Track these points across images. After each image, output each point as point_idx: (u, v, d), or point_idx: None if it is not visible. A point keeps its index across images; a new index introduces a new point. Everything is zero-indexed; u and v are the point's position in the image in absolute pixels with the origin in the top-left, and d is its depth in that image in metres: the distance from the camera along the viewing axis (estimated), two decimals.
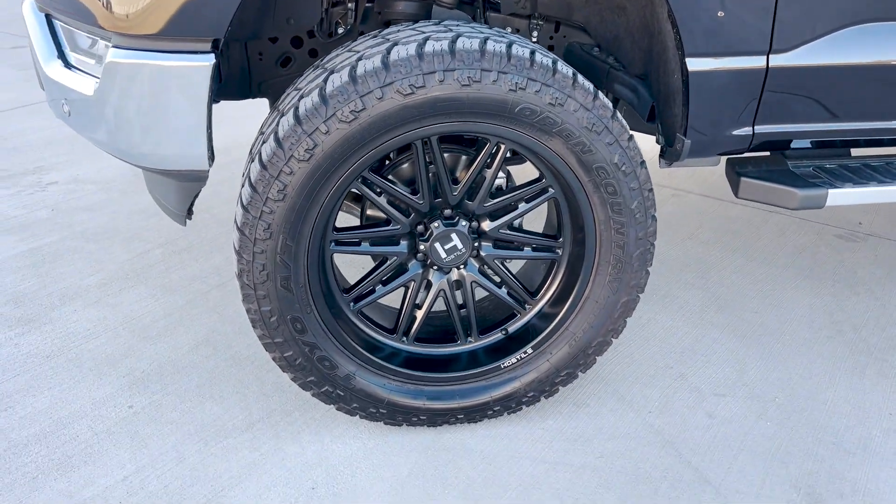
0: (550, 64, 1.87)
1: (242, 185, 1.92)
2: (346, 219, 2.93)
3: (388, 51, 1.82)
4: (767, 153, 2.38)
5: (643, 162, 2.03)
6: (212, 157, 1.97)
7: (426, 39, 1.83)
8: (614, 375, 2.56)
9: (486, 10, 2.51)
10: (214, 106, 2.58)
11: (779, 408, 2.42)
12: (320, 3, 2.33)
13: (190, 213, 2.17)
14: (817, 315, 2.93)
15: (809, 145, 2.31)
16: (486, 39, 1.85)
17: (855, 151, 2.43)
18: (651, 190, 2.07)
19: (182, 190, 2.11)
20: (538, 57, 1.86)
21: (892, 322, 2.88)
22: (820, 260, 3.34)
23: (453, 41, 1.83)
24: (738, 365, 2.63)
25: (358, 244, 2.13)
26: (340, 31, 2.46)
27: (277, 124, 1.86)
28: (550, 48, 2.62)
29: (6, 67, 5.99)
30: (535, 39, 2.54)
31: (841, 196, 2.20)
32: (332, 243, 2.09)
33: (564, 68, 1.89)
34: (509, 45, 1.86)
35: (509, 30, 2.51)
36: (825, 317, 2.92)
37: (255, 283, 1.96)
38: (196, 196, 2.13)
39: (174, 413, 2.34)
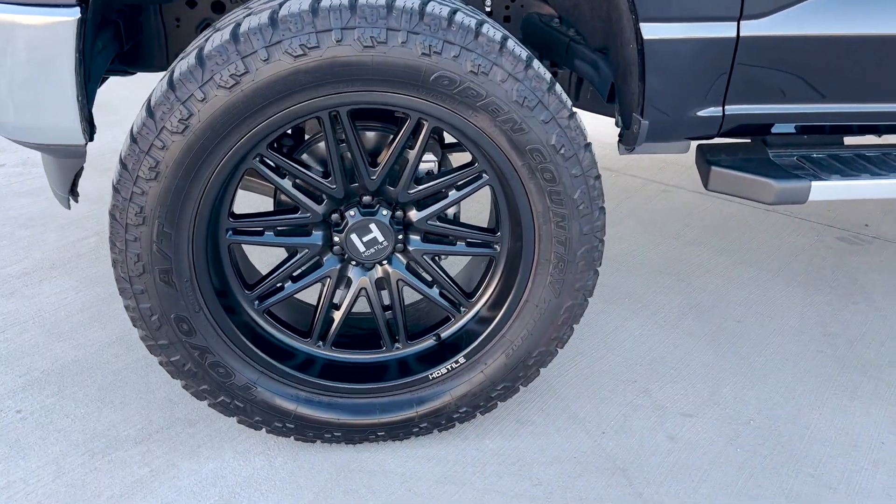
0: (473, 25, 1.58)
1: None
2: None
3: (280, 5, 1.55)
4: (746, 140, 2.07)
5: (588, 144, 1.74)
6: (90, 131, 1.71)
7: None
8: (568, 389, 2.26)
9: None
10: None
11: (753, 432, 2.12)
12: None
13: (74, 194, 1.91)
14: (808, 326, 2.61)
15: (794, 131, 2.00)
16: None
17: (849, 140, 2.12)
18: (598, 178, 1.77)
19: (60, 167, 1.85)
20: (459, 17, 1.58)
21: (892, 336, 2.55)
22: (817, 264, 3.02)
23: None
24: (712, 380, 2.32)
25: (261, 233, 1.86)
26: None
27: (153, 91, 1.59)
28: (507, 19, 2.33)
29: None
30: (489, 9, 2.25)
31: (826, 190, 1.89)
32: (229, 232, 1.82)
33: (491, 30, 1.61)
34: (423, 2, 1.57)
35: None
36: (817, 328, 2.60)
37: (131, 277, 1.70)
38: (78, 175, 1.87)
39: (65, 420, 2.08)
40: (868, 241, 3.21)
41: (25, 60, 1.61)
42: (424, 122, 1.74)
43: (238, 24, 1.53)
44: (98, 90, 1.86)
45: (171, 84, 1.55)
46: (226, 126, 1.57)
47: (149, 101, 1.58)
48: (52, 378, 2.24)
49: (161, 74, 2.30)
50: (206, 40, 1.56)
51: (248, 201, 2.51)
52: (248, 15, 1.56)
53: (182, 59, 1.58)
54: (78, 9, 1.58)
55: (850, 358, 2.44)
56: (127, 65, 2.23)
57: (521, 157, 1.70)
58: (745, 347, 2.48)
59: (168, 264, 1.69)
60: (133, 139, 1.58)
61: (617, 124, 2.02)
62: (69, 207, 1.98)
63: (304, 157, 1.88)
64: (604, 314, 2.63)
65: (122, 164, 1.60)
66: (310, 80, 1.55)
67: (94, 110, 1.77)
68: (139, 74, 2.34)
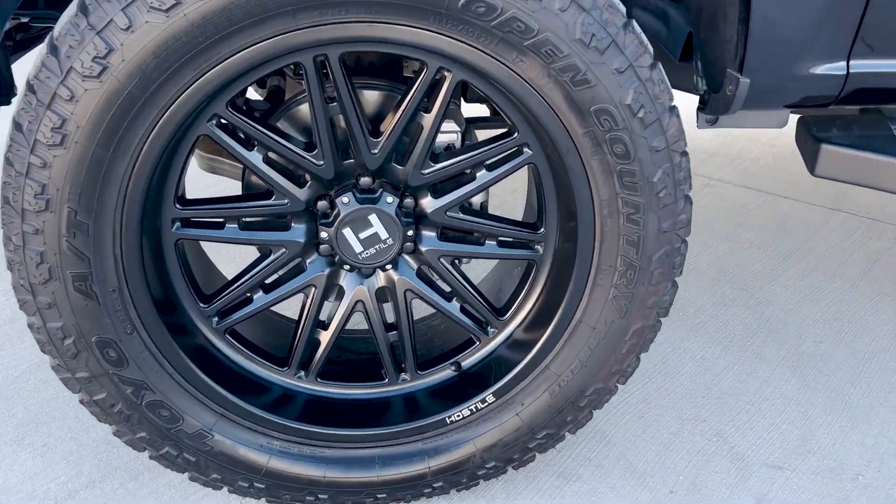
0: None
1: None
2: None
3: None
4: (856, 110, 1.59)
5: (674, 106, 1.25)
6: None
7: None
8: (622, 432, 1.78)
9: None
10: None
11: (865, 491, 1.63)
12: None
13: None
14: None
15: None
16: None
17: None
18: (685, 154, 1.29)
19: None
20: None
21: None
22: None
23: None
24: (801, 420, 1.84)
25: (221, 226, 1.37)
26: None
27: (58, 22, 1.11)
28: None
29: None
30: None
31: None
32: (176, 223, 1.33)
33: None
34: None
35: None
36: None
37: (33, 284, 1.21)
38: None
39: None
40: None
41: None
42: (447, 73, 1.25)
43: None
44: None
45: (82, 6, 1.06)
46: (162, 68, 1.08)
47: (52, 32, 1.09)
48: None
49: None
50: None
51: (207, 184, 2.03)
52: None
53: None
54: None
55: None
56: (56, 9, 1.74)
57: (582, 122, 1.22)
58: (835, 377, 2.00)
59: (85, 267, 1.20)
60: (29, 87, 1.10)
61: (697, 88, 1.54)
62: None
63: (281, 123, 1.40)
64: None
65: (16, 123, 1.12)
66: (276, 2, 1.07)
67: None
68: None
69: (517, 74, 1.19)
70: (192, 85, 1.12)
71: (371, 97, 1.40)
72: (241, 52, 1.11)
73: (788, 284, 2.44)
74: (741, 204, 3.01)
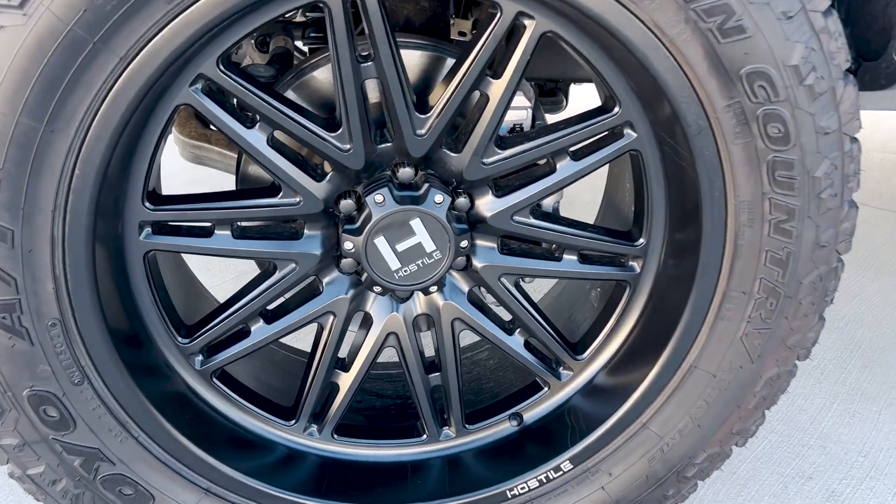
0: None
1: None
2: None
3: None
4: None
5: (851, 71, 0.89)
6: None
7: None
8: (710, 495, 1.41)
9: None
10: None
11: None
12: None
13: None
14: None
15: None
16: None
17: None
18: (857, 140, 0.92)
19: None
20: None
21: None
22: None
23: None
24: None
25: (208, 234, 0.99)
26: None
27: None
28: None
29: None
30: None
31: None
32: (145, 229, 0.95)
33: None
34: None
35: None
36: None
37: None
38: None
39: None
40: None
41: None
42: (528, 22, 0.88)
43: None
44: None
45: None
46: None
47: None
48: None
49: None
50: None
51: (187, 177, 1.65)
52: None
53: None
54: None
55: None
56: None
57: (726, 91, 0.85)
58: None
59: (10, 293, 0.83)
60: None
61: None
62: None
63: (291, 93, 1.03)
64: None
65: None
66: None
67: None
68: None
69: (638, 19, 0.82)
70: (166, 26, 0.75)
71: (415, 60, 1.03)
72: None
73: (874, 301, 2.10)
74: None
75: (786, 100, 0.86)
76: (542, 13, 0.88)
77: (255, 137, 0.94)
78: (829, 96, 0.87)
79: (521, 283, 1.14)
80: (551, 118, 1.18)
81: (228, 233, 1.00)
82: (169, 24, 0.76)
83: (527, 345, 1.14)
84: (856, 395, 1.72)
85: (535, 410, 1.17)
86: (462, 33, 1.15)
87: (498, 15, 0.89)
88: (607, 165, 1.12)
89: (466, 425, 1.16)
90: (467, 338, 1.24)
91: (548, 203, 1.11)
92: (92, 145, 0.81)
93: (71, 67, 0.75)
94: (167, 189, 1.11)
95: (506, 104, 0.96)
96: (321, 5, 0.86)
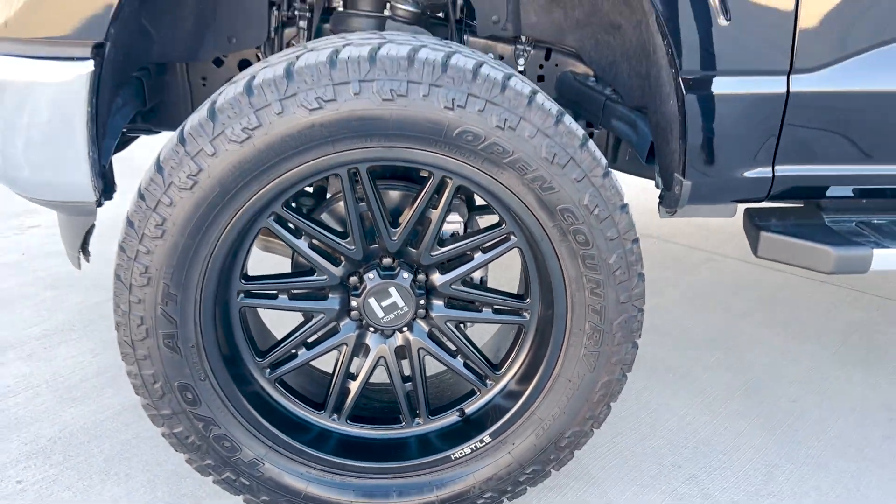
0: (500, 78, 1.49)
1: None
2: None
3: (298, 57, 1.48)
4: (798, 204, 1.92)
5: (625, 205, 1.61)
6: (104, 189, 1.64)
7: (345, 45, 1.48)
8: (607, 474, 2.07)
9: (463, 31, 2.16)
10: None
11: None
12: (267, 20, 2.03)
13: (85, 252, 1.84)
14: (871, 408, 2.38)
15: (851, 194, 1.84)
16: (420, 48, 1.49)
17: None
18: (636, 241, 1.63)
19: (71, 225, 1.79)
20: (485, 70, 1.49)
21: None
22: (878, 340, 2.79)
23: (377, 48, 1.47)
24: (766, 468, 2.11)
25: (275, 297, 1.75)
26: None
27: (163, 147, 1.52)
28: (540, 78, 2.24)
29: None
30: (521, 69, 2.17)
31: (890, 258, 1.72)
32: (241, 294, 1.71)
33: (518, 84, 1.51)
34: (448, 55, 1.49)
35: (491, 55, 2.16)
36: (881, 412, 2.36)
37: (134, 341, 1.60)
38: (88, 234, 1.80)
39: (66, 493, 1.96)
40: None
41: (37, 113, 1.56)
42: (448, 181, 1.63)
43: (252, 77, 1.46)
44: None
45: (181, 138, 1.48)
46: (236, 182, 1.49)
47: (158, 156, 1.51)
48: (58, 447, 2.13)
49: None
50: (220, 93, 1.49)
51: (265, 263, 2.43)
52: (264, 67, 1.49)
53: (194, 112, 1.51)
54: (92, 62, 1.53)
55: None
56: (152, 124, 2.19)
57: (551, 218, 1.58)
58: (802, 432, 2.26)
59: (173, 328, 1.59)
60: (140, 195, 1.50)
61: (657, 185, 1.89)
62: (79, 267, 1.91)
63: (323, 216, 1.79)
64: (647, 391, 2.44)
65: (129, 221, 1.52)
66: (325, 134, 1.47)
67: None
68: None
69: (499, 182, 1.56)
70: (257, 193, 1.52)
71: (392, 196, 1.79)
72: (294, 170, 1.51)
73: (772, 349, 2.72)
74: (738, 276, 3.31)
75: (584, 222, 1.57)
76: (454, 177, 1.62)
77: (302, 243, 1.69)
78: (610, 219, 1.58)
79: (463, 327, 1.85)
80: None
81: (286, 296, 1.75)
82: (258, 193, 1.52)
83: (466, 365, 1.84)
84: (734, 416, 2.34)
85: (471, 406, 1.86)
86: (424, 177, 1.90)
87: (432, 177, 1.64)
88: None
89: (430, 416, 1.86)
90: (436, 366, 1.94)
91: (476, 276, 1.83)
92: (218, 250, 1.56)
93: (209, 216, 1.51)
94: (250, 270, 1.86)
95: (441, 222, 1.68)
96: (337, 175, 1.61)
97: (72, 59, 1.53)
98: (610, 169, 1.59)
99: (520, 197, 1.57)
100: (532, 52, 2.17)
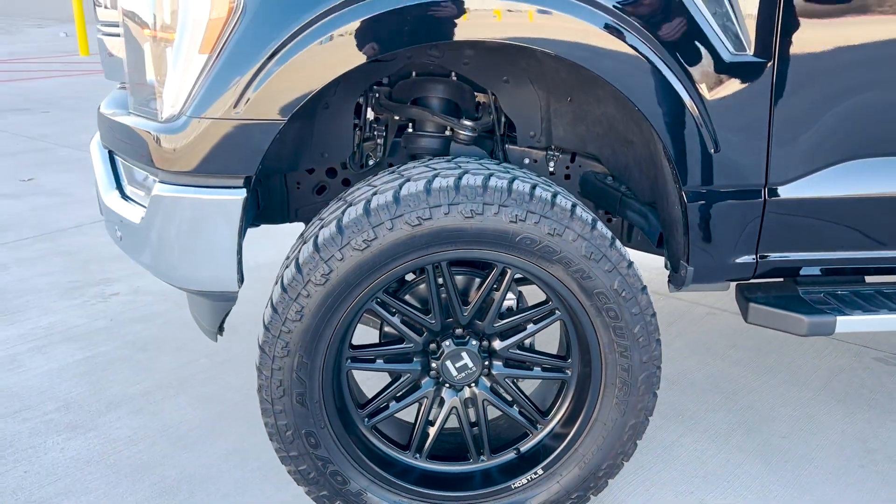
0: (549, 197, 2.01)
1: (266, 306, 2.08)
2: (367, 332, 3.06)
3: (401, 186, 2.00)
4: (779, 279, 2.43)
5: (644, 287, 2.12)
6: (241, 280, 2.15)
7: (435, 176, 2.01)
8: (632, 499, 2.54)
9: (505, 142, 2.70)
10: (256, 229, 2.81)
11: None
12: (352, 139, 2.57)
13: (221, 329, 2.34)
14: (849, 442, 2.85)
15: (819, 273, 2.35)
16: (489, 176, 2.01)
17: (870, 278, 2.45)
18: (654, 315, 2.14)
19: (214, 309, 2.29)
20: (538, 191, 2.01)
21: None
22: (856, 384, 3.27)
23: (459, 178, 1.99)
24: (762, 491, 2.58)
25: (373, 361, 2.25)
26: (371, 162, 2.69)
27: (299, 251, 2.04)
28: (567, 177, 2.77)
29: (88, 185, 6.53)
30: (551, 170, 2.71)
31: (850, 323, 2.22)
32: (348, 360, 2.21)
33: (563, 201, 2.03)
34: (511, 181, 2.01)
35: (526, 161, 2.69)
36: (858, 444, 2.84)
37: (273, 399, 2.08)
38: (227, 314, 2.30)
39: None
40: None
41: (204, 228, 2.07)
42: (508, 271, 2.14)
43: (369, 201, 1.98)
44: None
45: (316, 247, 1.99)
46: (357, 279, 1.99)
47: (297, 258, 2.02)
48: (182, 486, 2.60)
49: (283, 226, 2.79)
50: (344, 213, 2.00)
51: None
52: (375, 193, 2.01)
53: (323, 226, 2.02)
54: (244, 189, 2.05)
55: (889, 473, 2.67)
56: (255, 219, 2.71)
57: (589, 299, 2.08)
58: (792, 462, 2.74)
59: (303, 388, 2.08)
60: (283, 289, 2.01)
61: (666, 267, 2.40)
62: (216, 340, 2.41)
63: (406, 296, 2.29)
64: (661, 430, 2.92)
65: (274, 307, 2.03)
66: (422, 242, 1.98)
67: None
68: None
69: (550, 273, 2.07)
70: (371, 284, 2.03)
71: (464, 280, 2.30)
72: (398, 268, 2.02)
73: (766, 393, 3.20)
74: (735, 329, 3.81)
75: (614, 302, 2.08)
76: (514, 269, 2.13)
77: (396, 319, 2.19)
78: (633, 299, 2.08)
79: (517, 381, 2.35)
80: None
81: (382, 361, 2.25)
82: (370, 285, 2.03)
83: (520, 412, 2.33)
84: (735, 450, 2.81)
85: (526, 446, 2.34)
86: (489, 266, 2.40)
87: (495, 268, 2.15)
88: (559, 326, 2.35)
89: (492, 455, 2.34)
90: (494, 412, 2.42)
91: (528, 342, 2.33)
92: (339, 328, 2.06)
93: (336, 304, 2.01)
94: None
95: (502, 301, 2.19)
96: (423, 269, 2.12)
97: (230, 188, 2.05)
98: (632, 260, 2.11)
99: (565, 284, 2.08)
100: (560, 156, 2.71)
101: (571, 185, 2.79)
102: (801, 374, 3.36)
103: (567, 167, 2.78)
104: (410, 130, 2.59)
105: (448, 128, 2.53)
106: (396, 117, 2.58)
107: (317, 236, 2.00)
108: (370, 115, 2.64)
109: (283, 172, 2.64)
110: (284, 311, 2.01)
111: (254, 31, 1.95)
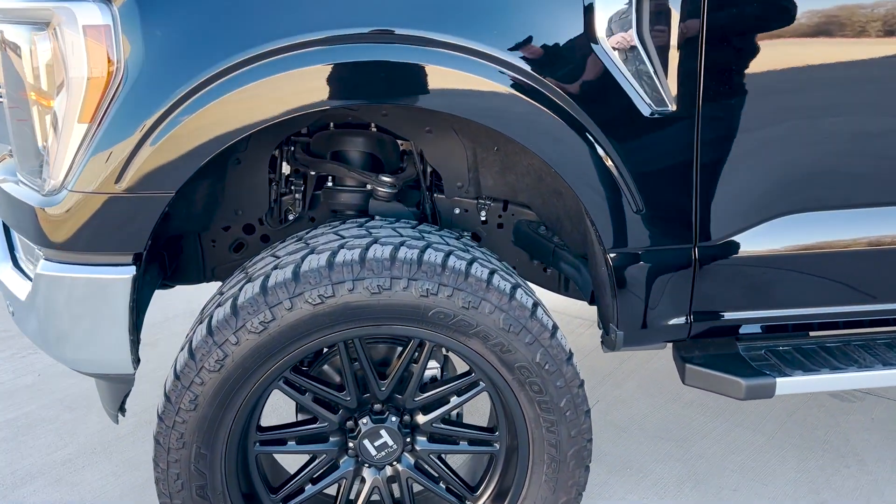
0: (463, 268, 1.87)
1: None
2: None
3: (303, 259, 1.85)
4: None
5: (570, 357, 1.98)
6: (136, 361, 1.99)
7: (341, 247, 1.86)
8: None
9: (433, 193, 2.56)
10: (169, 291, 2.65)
11: None
12: (268, 194, 2.41)
13: (122, 410, 2.17)
14: (802, 493, 2.74)
15: (759, 331, 2.23)
16: (399, 245, 1.87)
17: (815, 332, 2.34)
18: (581, 386, 2.00)
19: (111, 390, 2.12)
20: (451, 261, 1.87)
21: (883, 501, 2.68)
22: (811, 424, 3.17)
23: (365, 249, 1.85)
24: None
25: (285, 443, 2.09)
26: (291, 217, 2.53)
27: (193, 333, 1.88)
28: (500, 226, 2.64)
29: None
30: (483, 219, 2.57)
31: (790, 385, 2.11)
32: (256, 443, 2.05)
33: (478, 270, 1.89)
34: (423, 250, 1.87)
35: (457, 211, 2.55)
36: (810, 495, 2.73)
37: (171, 492, 1.93)
38: (126, 395, 2.14)
39: None
40: (860, 398, 3.36)
41: (89, 309, 1.91)
42: (427, 343, 2.00)
43: (267, 277, 1.83)
44: None
45: (209, 330, 1.83)
46: (255, 363, 1.84)
47: (190, 343, 1.86)
48: None
49: (198, 286, 2.63)
50: (241, 290, 1.85)
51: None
52: (276, 267, 1.86)
53: (218, 306, 1.87)
54: (134, 267, 1.89)
55: None
56: (168, 280, 2.55)
57: (510, 373, 1.95)
58: None
59: (204, 481, 1.92)
60: (176, 376, 1.85)
61: (599, 326, 2.27)
62: (117, 422, 2.24)
63: (320, 371, 2.14)
64: (607, 486, 2.79)
65: (167, 396, 1.87)
66: (326, 321, 1.84)
67: None
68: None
69: (467, 346, 1.93)
70: (271, 369, 1.88)
71: (380, 350, 2.15)
72: (301, 348, 1.87)
73: (717, 439, 3.09)
74: None
75: (537, 375, 1.94)
76: (430, 342, 1.99)
77: (307, 398, 2.04)
78: (558, 372, 1.95)
79: (444, 456, 2.20)
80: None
81: (294, 441, 2.09)
82: (271, 368, 1.88)
83: (447, 489, 2.19)
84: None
85: None
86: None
87: (412, 342, 2.00)
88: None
89: None
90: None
91: (452, 414, 2.19)
92: (240, 415, 1.91)
93: (233, 391, 1.86)
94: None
95: (421, 375, 2.05)
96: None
97: (117, 265, 1.89)
98: (555, 329, 1.97)
99: (484, 357, 1.94)
100: (492, 205, 2.57)
101: (505, 235, 2.65)
102: (755, 415, 3.25)
103: (500, 216, 2.63)
104: (330, 185, 2.44)
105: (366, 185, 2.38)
106: (313, 173, 2.44)
107: (211, 317, 1.85)
108: (286, 169, 2.49)
109: (195, 232, 2.48)
110: (178, 399, 1.86)
111: (136, 98, 1.80)
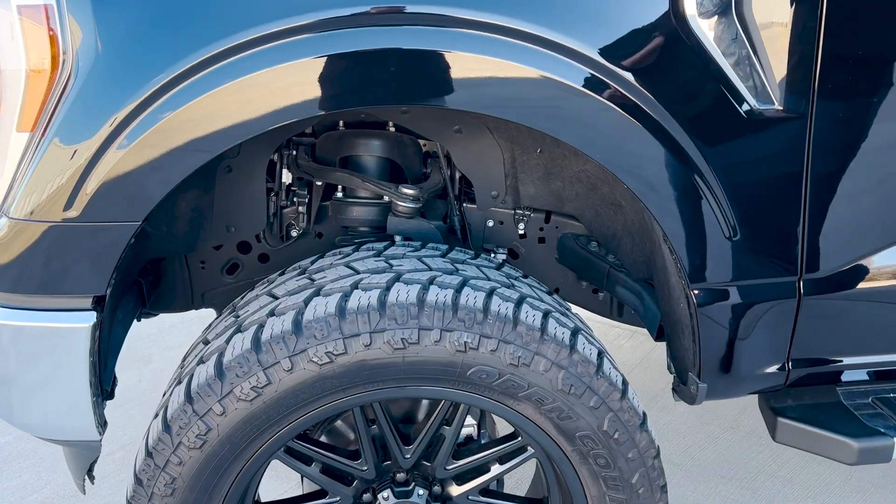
0: (510, 313, 1.46)
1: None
2: None
3: (306, 304, 1.45)
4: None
5: (643, 422, 1.58)
6: (102, 425, 1.60)
7: (354, 287, 1.46)
8: None
9: (463, 203, 2.14)
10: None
11: None
12: (266, 207, 2.01)
13: (91, 478, 1.79)
14: None
15: (866, 378, 1.82)
16: (429, 283, 1.46)
17: None
18: (657, 456, 1.60)
19: (76, 457, 1.73)
20: (494, 304, 1.46)
21: None
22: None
23: (386, 289, 1.44)
24: None
25: None
26: (294, 233, 2.12)
27: (168, 399, 1.48)
28: (541, 240, 2.21)
29: None
30: (521, 232, 2.16)
31: None
32: None
33: (530, 315, 1.48)
34: (457, 290, 1.46)
35: (490, 223, 2.14)
36: None
37: None
38: (94, 462, 1.75)
39: None
40: None
41: (34, 366, 1.52)
42: (462, 406, 1.60)
43: (261, 328, 1.43)
44: None
45: (188, 396, 1.44)
46: (246, 438, 1.45)
47: (165, 412, 1.47)
48: None
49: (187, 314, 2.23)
50: (228, 343, 1.45)
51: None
52: (272, 315, 1.46)
53: (201, 362, 1.47)
54: (94, 313, 1.49)
55: None
56: (150, 308, 2.15)
57: (570, 443, 1.55)
58: None
59: None
60: (148, 453, 1.46)
61: (670, 370, 1.86)
62: (84, 492, 1.85)
63: (328, 437, 1.75)
64: None
65: (137, 479, 1.48)
66: (336, 384, 1.44)
67: None
68: None
69: (516, 412, 1.53)
70: (267, 442, 1.48)
71: (403, 404, 1.75)
72: (305, 417, 1.47)
73: (786, 479, 2.68)
74: None
75: (603, 446, 1.54)
76: (468, 405, 1.59)
77: (314, 470, 1.65)
78: (630, 441, 1.55)
79: None
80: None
81: None
82: (266, 444, 1.48)
83: None
84: None
85: None
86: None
87: (443, 403, 1.60)
88: None
89: None
90: None
91: (493, 485, 1.80)
92: (232, 496, 1.52)
93: (220, 473, 1.47)
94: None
95: (455, 439, 1.66)
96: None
97: (73, 310, 1.49)
98: (626, 387, 1.57)
99: (538, 424, 1.54)
100: (531, 216, 2.15)
101: (547, 250, 2.23)
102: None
103: (541, 228, 2.21)
104: (340, 195, 2.03)
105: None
106: (319, 182, 2.03)
107: (191, 378, 1.45)
108: (287, 177, 2.07)
109: (180, 254, 2.08)
110: (150, 482, 1.47)
111: (89, 99, 1.39)
